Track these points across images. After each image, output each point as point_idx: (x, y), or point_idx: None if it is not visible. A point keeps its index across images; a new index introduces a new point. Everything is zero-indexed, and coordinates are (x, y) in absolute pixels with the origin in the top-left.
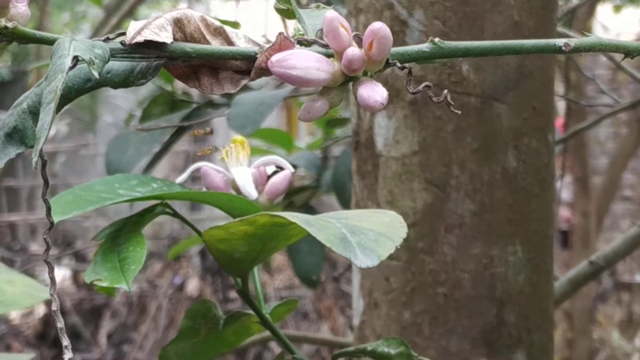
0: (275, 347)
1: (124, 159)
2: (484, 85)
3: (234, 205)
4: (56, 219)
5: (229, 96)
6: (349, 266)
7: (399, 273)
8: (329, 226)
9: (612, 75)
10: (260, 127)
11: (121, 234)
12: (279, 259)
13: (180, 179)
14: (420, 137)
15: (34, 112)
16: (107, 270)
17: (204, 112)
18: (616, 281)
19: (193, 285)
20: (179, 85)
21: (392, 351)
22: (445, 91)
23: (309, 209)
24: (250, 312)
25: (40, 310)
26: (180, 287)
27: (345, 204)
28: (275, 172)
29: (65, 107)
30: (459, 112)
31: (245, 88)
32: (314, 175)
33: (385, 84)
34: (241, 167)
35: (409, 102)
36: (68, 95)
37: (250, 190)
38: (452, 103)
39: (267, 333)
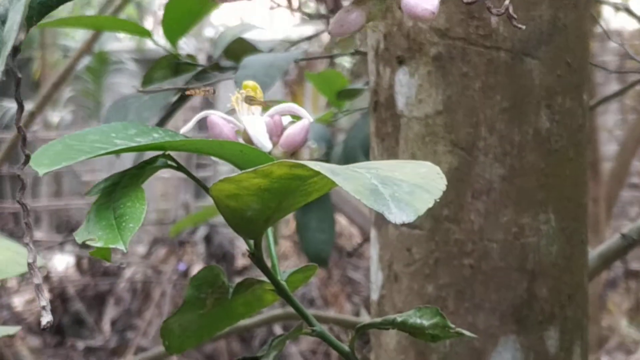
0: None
1: None
2: (514, 39)
3: (246, 157)
4: (43, 170)
5: (237, 59)
6: (355, 250)
7: (422, 243)
8: (358, 176)
9: (619, 62)
10: (270, 89)
11: (117, 188)
12: (285, 245)
13: (185, 129)
14: (445, 95)
15: (3, 21)
16: (102, 229)
17: (210, 75)
18: (626, 269)
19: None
20: (183, 48)
21: (426, 322)
22: (507, 1)
23: None
24: (264, 279)
25: None
26: (185, 274)
27: None
28: (291, 123)
29: (69, 95)
30: (523, 26)
31: (254, 51)
32: (323, 149)
33: (407, 37)
34: (253, 115)
35: (433, 58)
36: (49, 2)
37: (264, 141)
38: (515, 16)
39: (273, 312)
